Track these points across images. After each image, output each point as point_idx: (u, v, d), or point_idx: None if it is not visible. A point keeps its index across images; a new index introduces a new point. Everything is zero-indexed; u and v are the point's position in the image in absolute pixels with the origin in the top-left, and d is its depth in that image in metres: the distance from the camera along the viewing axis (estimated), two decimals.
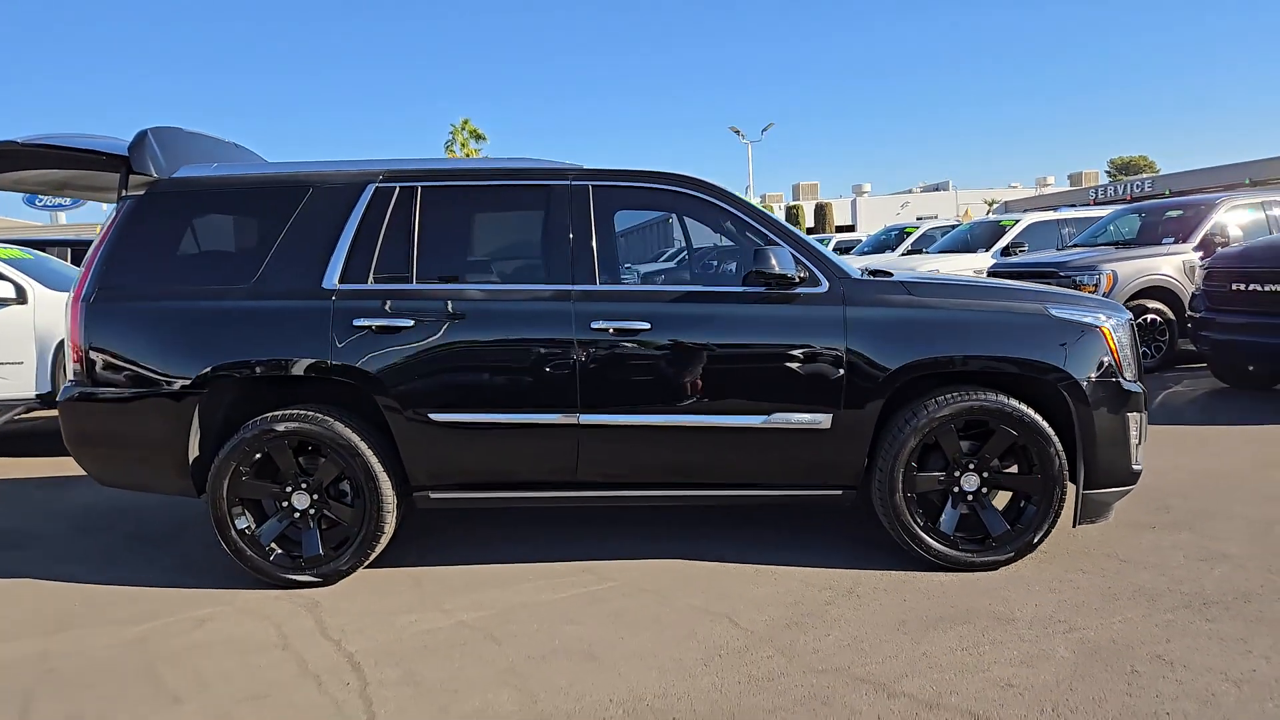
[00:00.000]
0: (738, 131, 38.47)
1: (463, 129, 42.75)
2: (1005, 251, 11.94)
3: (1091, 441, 3.76)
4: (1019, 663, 3.00)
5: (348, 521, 3.91)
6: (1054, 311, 3.83)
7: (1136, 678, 2.87)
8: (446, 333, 3.81)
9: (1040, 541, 3.81)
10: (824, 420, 3.77)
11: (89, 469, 4.09)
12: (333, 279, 3.89)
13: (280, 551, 3.93)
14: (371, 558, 3.95)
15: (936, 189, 55.21)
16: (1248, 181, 36.37)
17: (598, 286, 3.86)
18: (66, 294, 4.16)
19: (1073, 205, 22.57)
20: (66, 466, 5.85)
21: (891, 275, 4.04)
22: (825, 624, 3.36)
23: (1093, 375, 3.75)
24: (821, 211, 43.56)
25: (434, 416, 3.82)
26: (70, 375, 4.01)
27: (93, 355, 3.91)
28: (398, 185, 3.98)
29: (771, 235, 3.90)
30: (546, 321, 3.82)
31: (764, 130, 39.48)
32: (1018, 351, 3.75)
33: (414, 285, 3.90)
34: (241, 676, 3.14)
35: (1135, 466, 3.85)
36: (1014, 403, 3.73)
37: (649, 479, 3.94)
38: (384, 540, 3.93)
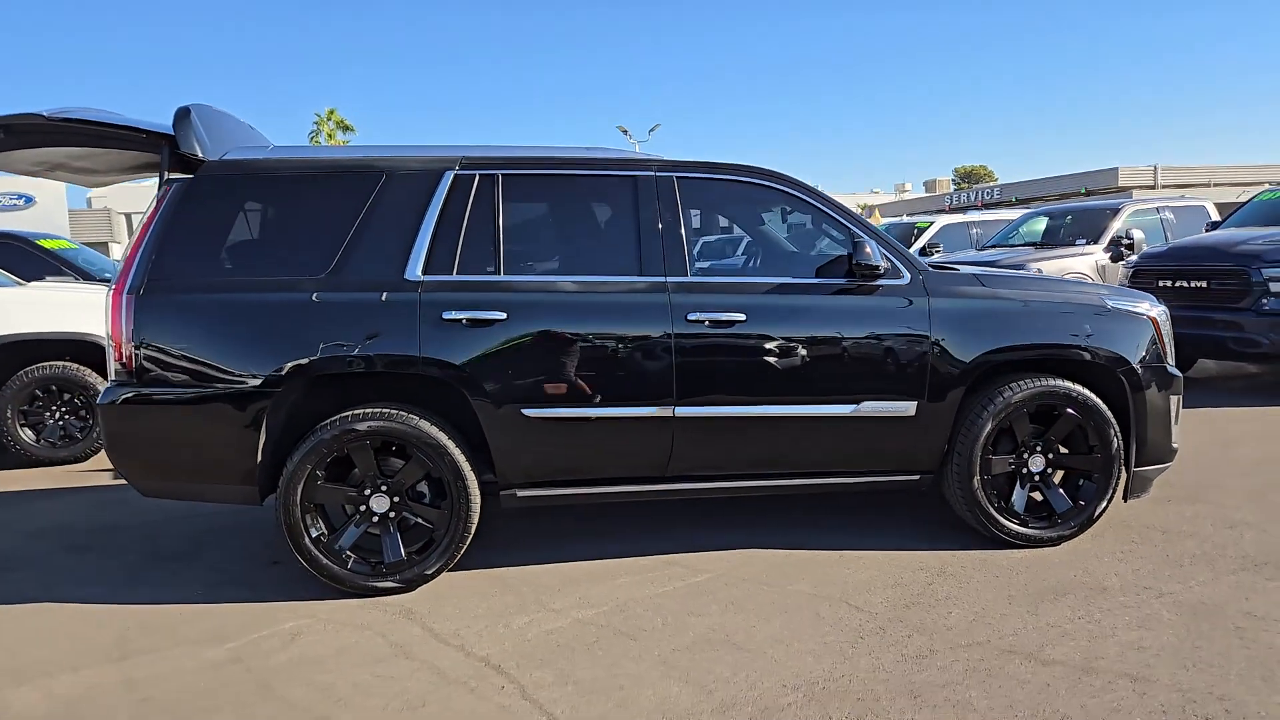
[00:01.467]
0: (624, 131, 38.69)
1: (328, 119, 41.06)
2: (923, 252, 12.59)
3: (1142, 422, 4.06)
4: (1136, 627, 3.22)
5: (435, 524, 3.74)
6: (1110, 302, 4.12)
7: (1243, 633, 3.14)
8: (541, 326, 3.71)
9: (1100, 516, 4.08)
10: (910, 408, 3.91)
11: (134, 477, 3.74)
12: (415, 270, 3.71)
13: (355, 558, 3.72)
14: (456, 560, 3.79)
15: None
16: (1084, 191, 39.68)
17: (694, 279, 3.86)
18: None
19: (976, 208, 24.02)
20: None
21: (957, 268, 4.22)
22: (940, 603, 3.49)
23: (1146, 361, 4.05)
24: None
25: (527, 412, 3.71)
26: (111, 375, 3.65)
27: (144, 352, 3.57)
28: (477, 173, 3.84)
29: (857, 230, 4.01)
30: (643, 314, 3.78)
31: (650, 131, 39.85)
32: (1087, 341, 4.01)
33: (502, 277, 3.78)
34: (380, 688, 2.96)
35: (1175, 445, 4.19)
36: (1080, 388, 3.98)
37: (738, 471, 3.97)
38: (468, 542, 3.79)
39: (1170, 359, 4.17)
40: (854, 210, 4.20)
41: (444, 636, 3.34)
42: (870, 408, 3.90)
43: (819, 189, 4.10)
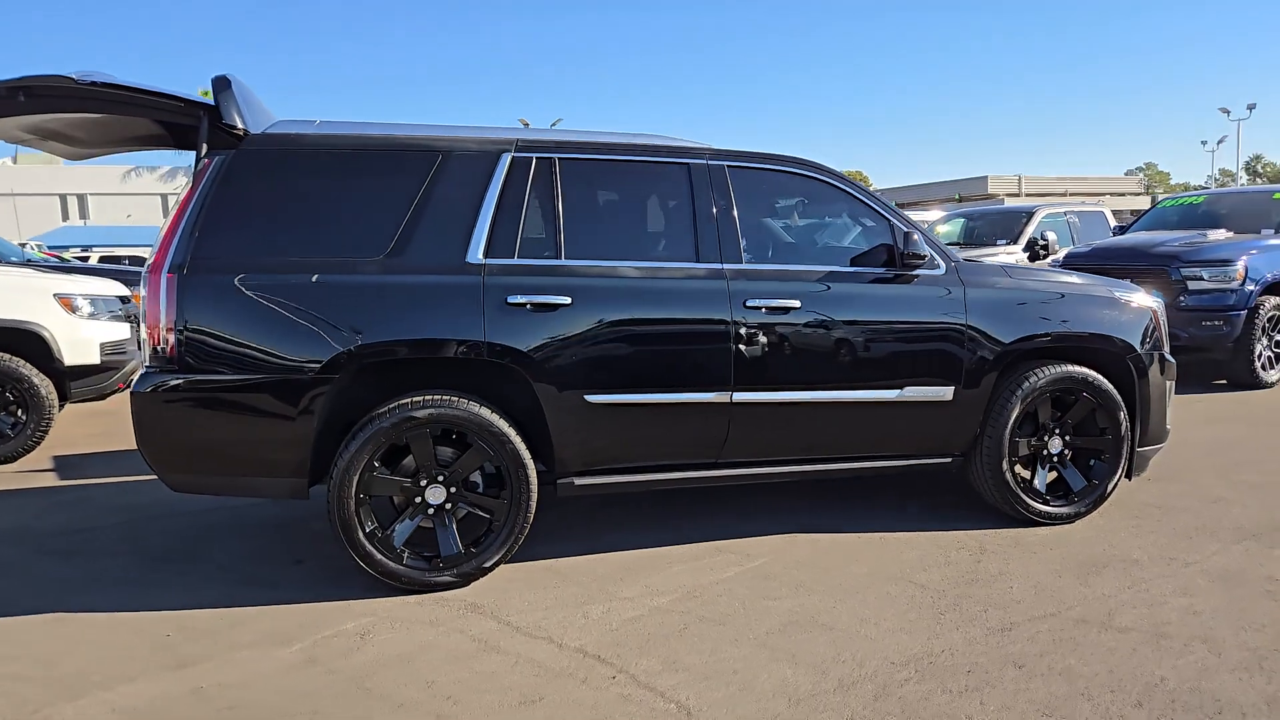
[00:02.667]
0: (525, 124, 38.25)
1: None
2: None
3: (1145, 405, 4.36)
4: (1182, 594, 3.46)
5: (495, 514, 3.62)
6: (1118, 294, 4.41)
7: (1275, 596, 3.43)
8: (604, 311, 3.65)
9: (1111, 493, 4.35)
10: (948, 393, 4.06)
11: (167, 470, 3.47)
12: (477, 253, 3.59)
13: (409, 553, 3.56)
14: (514, 552, 3.69)
15: None
16: (957, 197, 41.95)
17: (749, 266, 3.89)
18: None
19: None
20: None
21: (982, 260, 4.41)
22: (995, 579, 3.64)
23: (1149, 347, 4.35)
24: None
25: (589, 398, 3.65)
26: (149, 360, 3.37)
27: (188, 336, 3.32)
28: (534, 156, 3.75)
29: (898, 221, 4.13)
30: (703, 300, 3.78)
31: (553, 125, 39.55)
32: (1103, 329, 4.26)
33: (564, 261, 3.70)
34: (486, 684, 2.85)
35: (1168, 426, 4.52)
36: (1095, 374, 4.24)
37: (788, 456, 4.02)
38: (525, 533, 3.69)
39: (1166, 346, 4.49)
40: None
41: (526, 629, 3.25)
42: (912, 392, 4.03)
43: (856, 182, 4.20)
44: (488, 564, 3.62)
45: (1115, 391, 4.28)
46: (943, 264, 4.12)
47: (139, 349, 4.10)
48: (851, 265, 4.09)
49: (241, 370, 3.37)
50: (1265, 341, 8.00)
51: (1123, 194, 47.72)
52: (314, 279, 3.42)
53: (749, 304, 3.80)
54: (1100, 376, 4.25)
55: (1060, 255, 9.42)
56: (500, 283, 3.56)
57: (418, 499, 3.56)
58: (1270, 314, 7.93)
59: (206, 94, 3.53)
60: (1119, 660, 2.93)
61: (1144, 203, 41.41)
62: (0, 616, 3.43)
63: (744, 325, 3.79)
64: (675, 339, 3.75)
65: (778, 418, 3.91)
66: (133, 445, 3.48)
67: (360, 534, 3.46)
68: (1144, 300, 4.45)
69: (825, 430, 4.01)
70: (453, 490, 3.59)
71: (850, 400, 3.97)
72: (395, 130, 3.70)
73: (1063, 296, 4.28)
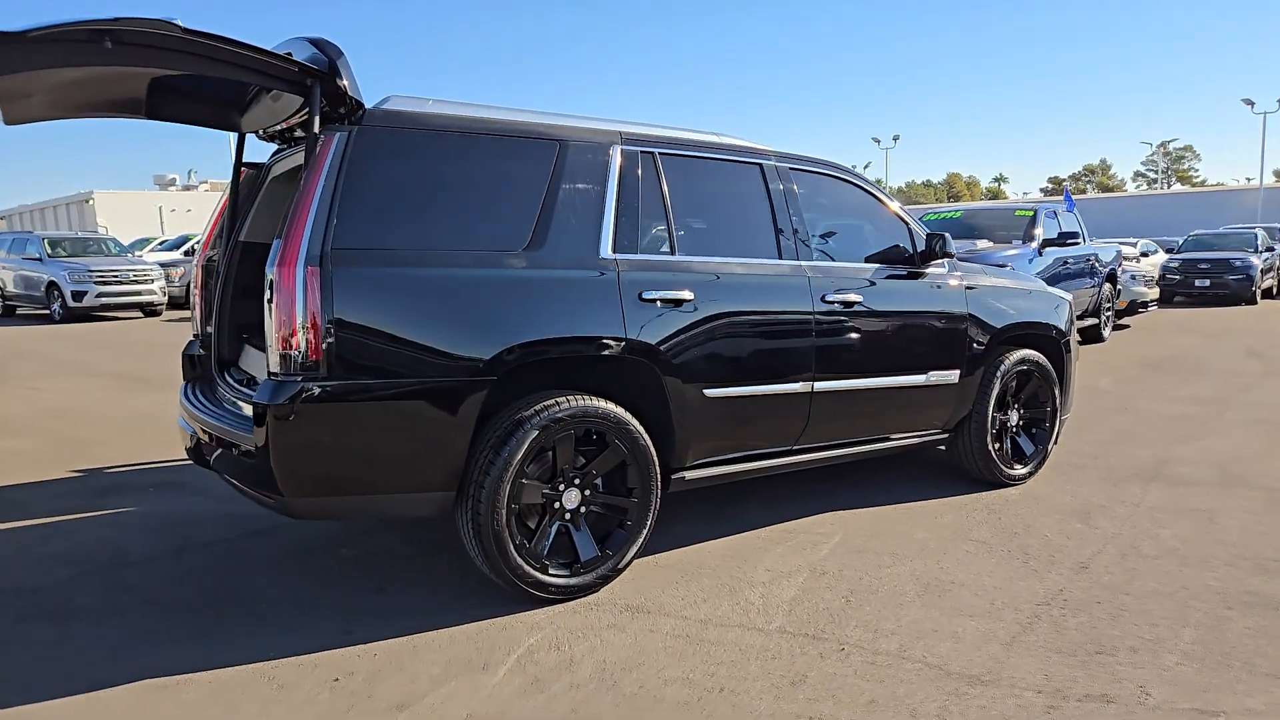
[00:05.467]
0: None
1: None
2: None
3: (1067, 381, 5.31)
4: (1158, 526, 4.32)
5: (628, 513, 3.57)
6: (1050, 290, 5.30)
7: (1214, 516, 4.40)
8: (719, 306, 3.75)
9: (1050, 454, 5.24)
10: (954, 376, 4.66)
11: (300, 493, 3.01)
12: (606, 248, 3.52)
13: (551, 561, 3.41)
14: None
15: None
16: None
17: (821, 262, 4.17)
18: None
19: None
20: None
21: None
22: (1029, 530, 4.26)
23: (1068, 333, 5.30)
24: None
25: (707, 392, 3.73)
26: (279, 365, 2.91)
27: (336, 337, 2.91)
28: (638, 149, 3.74)
29: (915, 223, 4.64)
30: (793, 295, 4.01)
31: None
32: (1047, 318, 5.12)
33: (678, 257, 3.73)
34: (739, 672, 2.89)
35: (1073, 399, 5.53)
36: (1041, 356, 5.08)
37: (847, 439, 4.37)
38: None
39: (1075, 332, 5.49)
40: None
41: (714, 620, 3.28)
42: (935, 376, 4.57)
43: (880, 187, 4.66)
44: (622, 564, 3.57)
45: (1053, 370, 5.16)
46: (946, 263, 4.72)
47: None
48: (881, 262, 4.53)
49: (397, 374, 3.03)
50: None
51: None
52: (472, 270, 3.16)
53: (827, 298, 4.10)
54: (1044, 358, 5.10)
55: None
56: (632, 278, 3.53)
57: (556, 504, 3.41)
58: None
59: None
60: (1219, 579, 3.63)
61: None
62: (91, 691, 2.77)
63: (823, 318, 4.08)
64: (774, 333, 3.95)
65: (844, 404, 4.25)
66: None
67: (511, 546, 3.25)
68: (1062, 293, 5.41)
69: (876, 414, 4.42)
70: (587, 493, 3.49)
71: (893, 385, 4.41)
72: (509, 115, 3.50)
73: (1026, 291, 5.09)
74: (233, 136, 4.13)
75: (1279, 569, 3.73)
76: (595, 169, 3.57)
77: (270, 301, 2.91)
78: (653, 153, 3.78)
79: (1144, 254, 21.23)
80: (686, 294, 3.64)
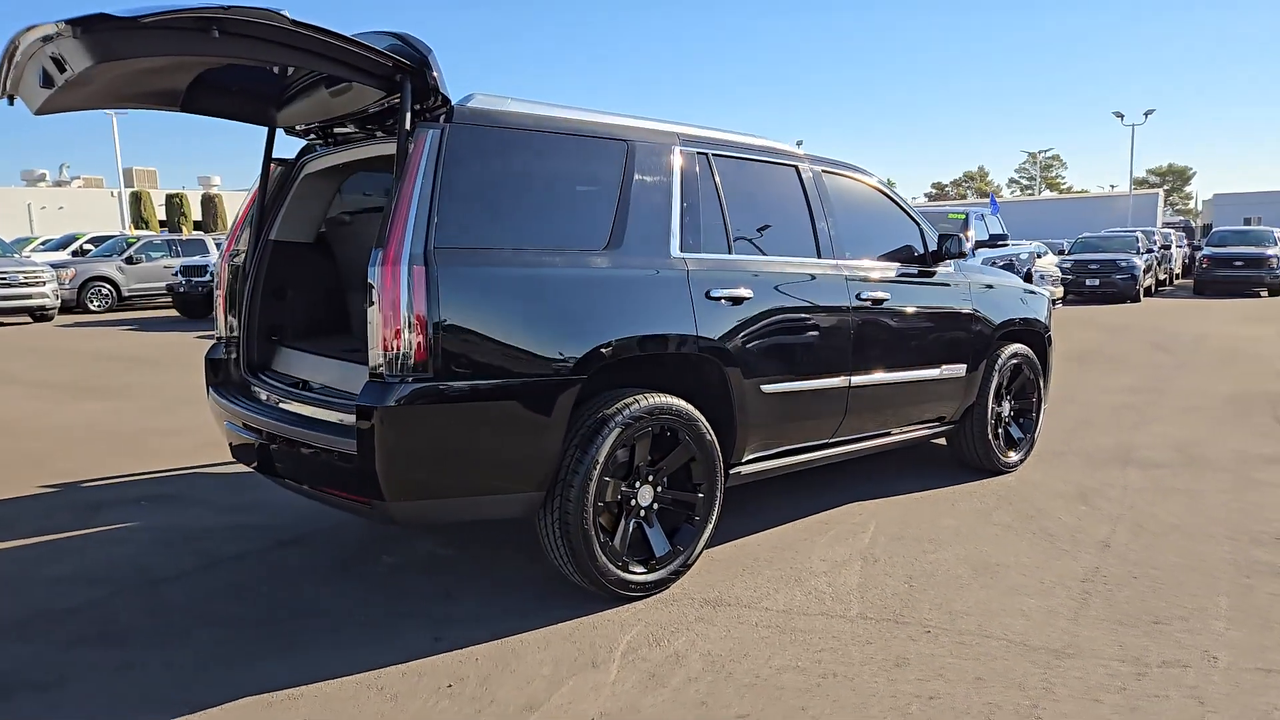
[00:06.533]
0: None
1: None
2: None
3: (1049, 373, 5.65)
4: (1157, 504, 4.66)
5: (696, 509, 3.61)
6: (1035, 288, 5.63)
7: (1178, 485, 4.79)
8: (774, 304, 3.84)
9: (1036, 442, 5.56)
10: (962, 370, 4.90)
11: (404, 497, 2.93)
12: (675, 247, 3.56)
13: (626, 558, 3.43)
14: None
15: None
16: None
17: (854, 261, 4.32)
18: None
19: None
20: None
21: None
22: (1043, 513, 4.52)
23: (1050, 329, 5.64)
24: (176, 205, 38.77)
25: (764, 387, 3.82)
26: (384, 367, 2.83)
27: (443, 336, 2.86)
28: (695, 150, 3.79)
29: (923, 223, 4.85)
30: (835, 293, 4.14)
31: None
32: (1038, 315, 5.43)
33: (735, 256, 3.80)
34: (842, 659, 2.98)
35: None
36: (1030, 350, 5.38)
37: (875, 430, 4.53)
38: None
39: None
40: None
41: (795, 610, 3.37)
42: (946, 370, 4.79)
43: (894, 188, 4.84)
44: (692, 559, 3.61)
45: (1039, 363, 5.48)
46: (951, 261, 4.95)
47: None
48: (899, 262, 4.71)
49: (499, 373, 2.99)
50: None
51: None
52: (563, 269, 3.15)
53: (861, 296, 4.25)
54: (1032, 351, 5.41)
55: None
56: (699, 277, 3.58)
57: (631, 501, 3.43)
58: None
59: None
60: (1193, 546, 3.95)
61: None
62: (195, 712, 2.62)
63: (859, 315, 4.23)
64: (820, 329, 4.06)
65: (874, 397, 4.40)
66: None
67: (597, 545, 3.26)
68: (1043, 291, 5.75)
69: (898, 406, 4.60)
70: (659, 489, 3.52)
71: (915, 379, 4.61)
72: (584, 114, 3.49)
73: (1019, 290, 5.38)
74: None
75: (1272, 541, 4.08)
76: (661, 169, 3.61)
77: (372, 303, 2.83)
78: (706, 154, 3.84)
79: (1038, 255, 22.56)
80: (747, 292, 3.71)
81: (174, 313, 18.53)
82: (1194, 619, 3.28)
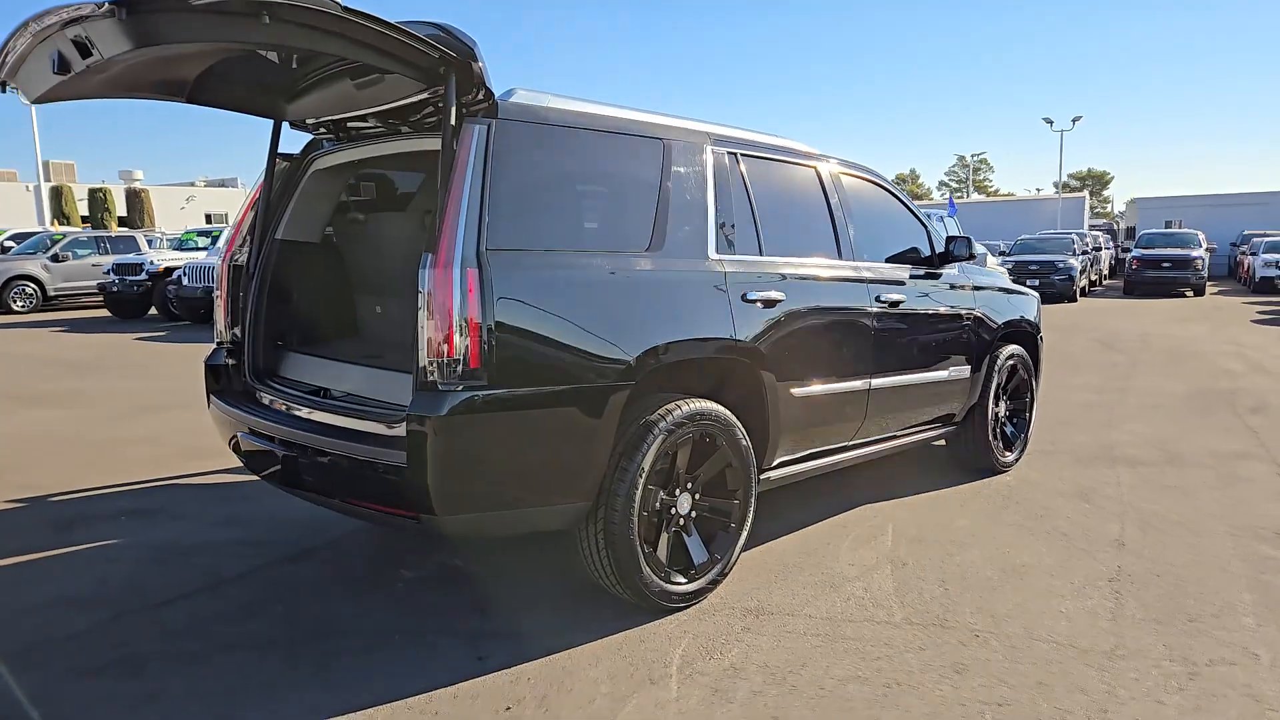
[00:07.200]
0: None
1: None
2: None
3: (1040, 370, 5.74)
4: (1154, 502, 4.76)
5: (731, 516, 3.54)
6: (1026, 289, 5.71)
7: (1167, 480, 4.92)
8: (804, 306, 3.80)
9: (1029, 441, 5.64)
10: (968, 370, 4.93)
11: (456, 509, 2.80)
12: (711, 248, 3.48)
13: (668, 569, 3.34)
14: None
15: (224, 184, 52.10)
16: None
17: (872, 263, 4.30)
18: None
19: None
20: None
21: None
22: (1051, 512, 4.57)
23: (1041, 329, 5.73)
24: (100, 200, 36.96)
25: (794, 391, 3.77)
26: (432, 373, 2.69)
27: (497, 341, 2.73)
28: (725, 150, 3.72)
29: (929, 225, 4.87)
30: (857, 295, 4.11)
31: None
32: (1032, 315, 5.51)
33: (765, 257, 3.74)
34: (899, 667, 2.95)
35: None
36: (1025, 350, 5.46)
37: (890, 432, 4.52)
38: None
39: None
40: None
41: (840, 617, 3.32)
42: (954, 371, 4.82)
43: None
44: (729, 567, 3.54)
45: (1031, 363, 5.57)
46: (956, 265, 4.98)
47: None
48: (908, 264, 4.71)
49: (553, 379, 2.87)
50: None
51: None
52: (611, 271, 3.05)
53: (881, 298, 4.23)
54: (1025, 352, 5.49)
55: None
56: (735, 279, 3.51)
57: (671, 510, 3.35)
58: None
59: None
60: (1200, 543, 4.04)
61: None
62: None
63: (878, 317, 4.22)
64: (844, 331, 4.04)
65: (891, 399, 4.39)
66: None
67: (642, 556, 3.16)
68: (1033, 292, 5.84)
69: (911, 407, 4.60)
70: (696, 497, 3.44)
71: (927, 380, 4.62)
72: (621, 112, 3.39)
73: (1013, 291, 5.45)
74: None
75: (1273, 536, 4.20)
76: (696, 169, 3.53)
77: (422, 308, 2.69)
78: (735, 153, 3.78)
79: (985, 257, 23.13)
80: (779, 294, 3.66)
81: (105, 313, 17.74)
82: (1224, 616, 3.34)
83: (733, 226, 3.62)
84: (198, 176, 55.48)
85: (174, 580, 3.68)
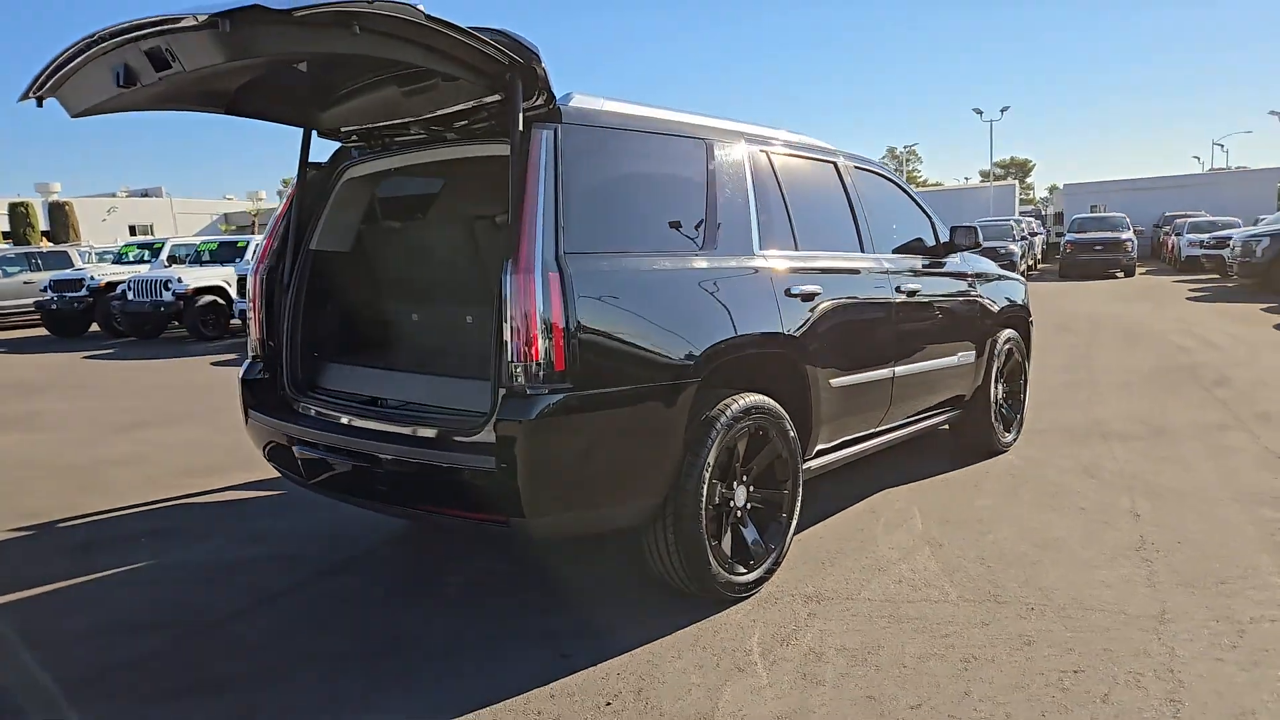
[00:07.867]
0: None
1: None
2: None
3: (1030, 353, 5.97)
4: (1157, 474, 4.99)
5: (782, 506, 3.62)
6: (1015, 275, 5.92)
7: (1167, 455, 5.17)
8: (838, 299, 3.90)
9: (1024, 421, 5.85)
10: (973, 355, 5.11)
11: (544, 512, 2.83)
12: (755, 244, 3.56)
13: (731, 561, 3.41)
14: None
15: (146, 195, 50.32)
16: None
17: (891, 255, 4.43)
18: None
19: None
20: None
21: None
22: (1063, 491, 4.76)
23: (1031, 313, 5.95)
24: (21, 214, 35.27)
25: (833, 381, 3.87)
26: (517, 377, 2.71)
27: (581, 343, 2.76)
28: (758, 148, 3.80)
29: (933, 217, 5.02)
30: (881, 286, 4.24)
31: None
32: (1024, 300, 5.73)
33: (801, 252, 3.83)
34: (979, 652, 3.06)
35: None
36: (1019, 336, 5.67)
37: (909, 418, 4.66)
38: None
39: None
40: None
41: (897, 598, 3.43)
42: (962, 357, 4.98)
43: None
44: (782, 556, 3.62)
45: (1024, 346, 5.78)
46: (959, 254, 5.14)
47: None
48: (916, 254, 4.84)
49: (631, 378, 2.92)
50: None
51: None
52: (675, 270, 3.10)
53: (901, 288, 4.36)
54: (1019, 336, 5.70)
55: None
56: (779, 274, 3.60)
57: (730, 502, 3.41)
58: None
59: None
60: (1210, 510, 4.26)
61: None
62: None
63: (900, 307, 4.34)
64: (873, 322, 4.15)
65: (912, 386, 4.53)
66: None
67: (709, 549, 3.22)
68: (1020, 277, 6.06)
69: (926, 393, 4.74)
70: (750, 489, 3.51)
71: (940, 366, 4.77)
72: (668, 114, 3.44)
73: (1006, 278, 5.65)
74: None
75: (1272, 501, 4.45)
76: (737, 168, 3.60)
77: (503, 312, 2.70)
78: (767, 151, 3.85)
79: None
80: (816, 288, 3.75)
81: (42, 332, 17.08)
82: (1252, 577, 3.54)
83: (772, 223, 3.70)
84: (118, 187, 53.50)
85: (224, 598, 3.62)
